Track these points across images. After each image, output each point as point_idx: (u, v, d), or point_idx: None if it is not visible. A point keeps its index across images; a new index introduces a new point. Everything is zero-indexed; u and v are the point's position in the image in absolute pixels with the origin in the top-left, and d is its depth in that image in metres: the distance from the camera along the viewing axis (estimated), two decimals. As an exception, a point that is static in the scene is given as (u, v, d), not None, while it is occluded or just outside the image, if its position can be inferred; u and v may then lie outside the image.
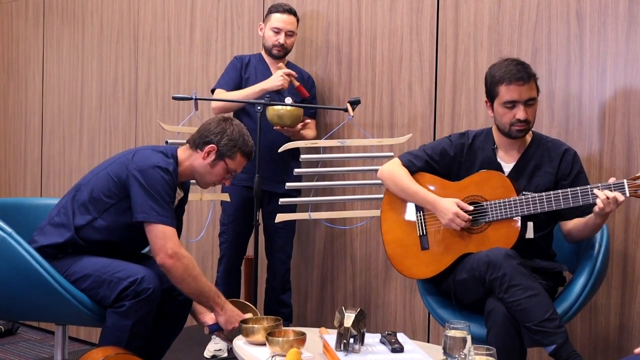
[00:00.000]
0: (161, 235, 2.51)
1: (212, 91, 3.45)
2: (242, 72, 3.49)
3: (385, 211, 2.80)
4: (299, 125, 3.32)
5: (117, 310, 2.50)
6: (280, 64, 3.41)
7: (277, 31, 3.43)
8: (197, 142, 2.69)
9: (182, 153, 2.71)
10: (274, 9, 3.46)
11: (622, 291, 2.83)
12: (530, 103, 2.53)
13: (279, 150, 3.26)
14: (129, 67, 4.37)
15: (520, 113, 2.52)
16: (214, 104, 3.39)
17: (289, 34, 3.45)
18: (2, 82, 5.15)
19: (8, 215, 2.74)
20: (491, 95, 2.59)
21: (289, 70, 3.32)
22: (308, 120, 3.43)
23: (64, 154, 4.73)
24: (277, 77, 3.30)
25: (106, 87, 4.49)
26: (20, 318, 3.05)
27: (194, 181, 2.85)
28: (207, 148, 2.66)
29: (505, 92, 2.52)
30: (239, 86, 3.44)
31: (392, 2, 3.38)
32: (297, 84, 3.33)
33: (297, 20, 3.50)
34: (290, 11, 3.45)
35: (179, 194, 2.77)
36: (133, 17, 4.35)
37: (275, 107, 3.22)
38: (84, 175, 2.81)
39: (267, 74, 3.46)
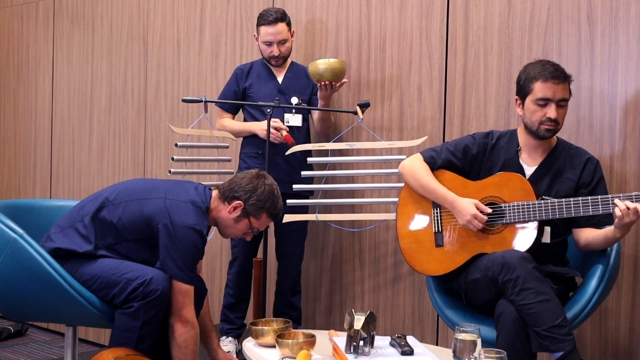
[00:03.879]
0: (182, 297, 2.54)
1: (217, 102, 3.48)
2: (241, 82, 3.51)
3: (402, 205, 2.80)
4: (337, 85, 3.28)
5: (125, 311, 2.51)
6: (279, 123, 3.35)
7: (269, 44, 3.42)
8: (226, 195, 2.67)
9: (214, 201, 2.69)
10: (260, 21, 3.43)
11: (632, 295, 2.82)
12: (562, 104, 2.54)
13: (286, 153, 3.27)
14: (139, 70, 4.39)
15: (551, 112, 2.52)
16: (217, 123, 3.52)
17: (282, 42, 3.42)
18: (12, 84, 5.17)
19: (18, 216, 2.74)
20: (524, 92, 2.58)
21: (278, 125, 3.30)
22: (345, 80, 3.35)
23: (73, 155, 4.75)
24: (264, 129, 3.31)
25: (116, 90, 4.51)
26: (31, 319, 3.04)
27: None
28: (234, 203, 2.65)
29: (540, 89, 2.52)
30: (235, 99, 3.49)
31: (401, 5, 3.38)
32: (284, 134, 3.29)
33: (288, 23, 3.45)
34: (277, 20, 3.39)
35: None
36: (143, 20, 4.37)
37: (317, 61, 3.22)
38: (111, 187, 2.76)
39: (271, 79, 3.49)
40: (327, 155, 3.31)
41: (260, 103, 3.29)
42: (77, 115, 4.73)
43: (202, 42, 4.10)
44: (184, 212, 2.57)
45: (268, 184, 2.68)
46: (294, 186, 3.24)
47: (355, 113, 3.21)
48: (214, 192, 2.71)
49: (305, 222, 3.46)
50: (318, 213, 3.28)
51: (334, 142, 3.34)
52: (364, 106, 3.21)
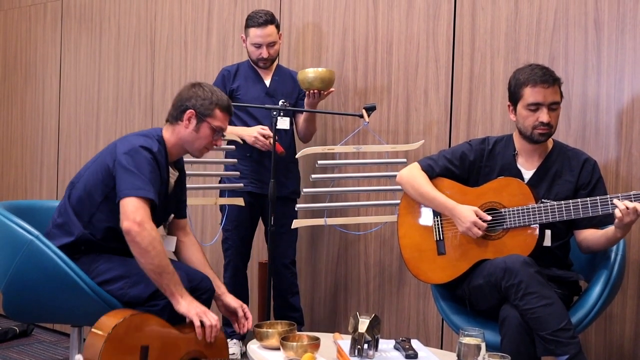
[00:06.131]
0: (133, 206, 2.45)
1: None
2: (228, 84, 3.51)
3: (402, 215, 2.81)
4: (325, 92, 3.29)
5: (151, 309, 2.50)
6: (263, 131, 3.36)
7: (258, 46, 3.43)
8: (175, 115, 2.70)
9: (166, 132, 2.71)
10: (250, 22, 3.43)
11: (637, 300, 2.82)
12: (553, 107, 2.54)
13: (296, 156, 3.27)
14: (146, 72, 4.40)
15: (543, 116, 2.52)
16: None
17: (271, 44, 3.43)
18: (19, 85, 5.19)
19: (24, 217, 2.74)
20: (515, 98, 2.59)
21: (264, 132, 3.30)
22: (332, 89, 3.36)
23: (80, 157, 4.77)
24: (252, 135, 3.34)
25: (123, 91, 4.52)
26: (41, 320, 3.04)
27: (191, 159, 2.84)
28: (186, 115, 2.66)
29: (530, 94, 2.53)
30: None
31: (408, 9, 3.39)
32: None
33: (277, 25, 3.46)
34: (267, 22, 3.39)
35: (174, 174, 2.76)
36: (150, 21, 4.38)
37: (306, 70, 3.24)
38: (75, 174, 2.81)
39: (259, 81, 3.50)
40: (333, 159, 3.30)
41: (267, 106, 3.29)
42: (84, 117, 4.74)
43: (209, 44, 4.11)
44: (130, 141, 2.60)
45: (205, 85, 2.72)
46: (304, 190, 3.24)
47: (362, 116, 3.22)
48: (164, 127, 2.74)
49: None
50: (326, 217, 3.28)
51: (341, 145, 3.34)
52: (370, 109, 3.22)
